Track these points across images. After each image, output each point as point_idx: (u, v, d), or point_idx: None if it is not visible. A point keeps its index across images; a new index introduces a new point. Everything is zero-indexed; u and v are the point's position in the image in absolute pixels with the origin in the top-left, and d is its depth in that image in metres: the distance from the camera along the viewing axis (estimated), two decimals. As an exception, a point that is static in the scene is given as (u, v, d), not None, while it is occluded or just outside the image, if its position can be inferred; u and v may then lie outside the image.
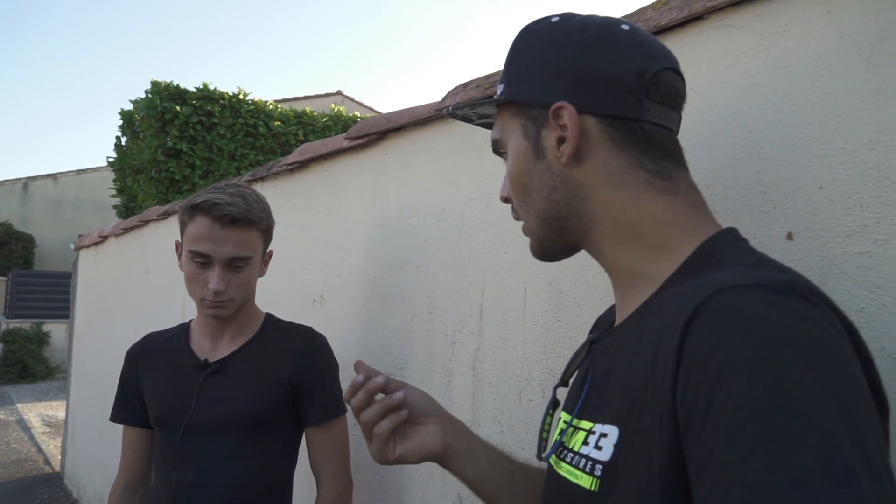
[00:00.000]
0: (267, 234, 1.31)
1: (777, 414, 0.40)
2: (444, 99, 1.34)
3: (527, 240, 0.71)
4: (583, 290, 1.03)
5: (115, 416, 1.36)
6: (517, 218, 0.71)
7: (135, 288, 3.39)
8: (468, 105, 0.72)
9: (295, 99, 14.97)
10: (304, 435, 1.33)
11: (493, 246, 1.22)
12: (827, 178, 0.74)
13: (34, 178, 20.70)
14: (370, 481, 1.50)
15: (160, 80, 4.72)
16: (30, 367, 10.79)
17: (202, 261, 1.21)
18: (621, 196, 0.61)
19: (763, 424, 0.40)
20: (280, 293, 2.00)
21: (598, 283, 1.01)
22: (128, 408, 1.34)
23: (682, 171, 0.64)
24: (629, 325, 0.60)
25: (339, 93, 16.21)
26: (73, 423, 4.70)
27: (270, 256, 1.37)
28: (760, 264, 0.54)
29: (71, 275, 5.04)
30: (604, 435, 0.55)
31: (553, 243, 0.67)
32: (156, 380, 1.30)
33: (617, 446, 0.52)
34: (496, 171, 1.23)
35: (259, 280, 2.13)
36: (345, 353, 1.65)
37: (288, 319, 1.72)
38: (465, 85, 1.31)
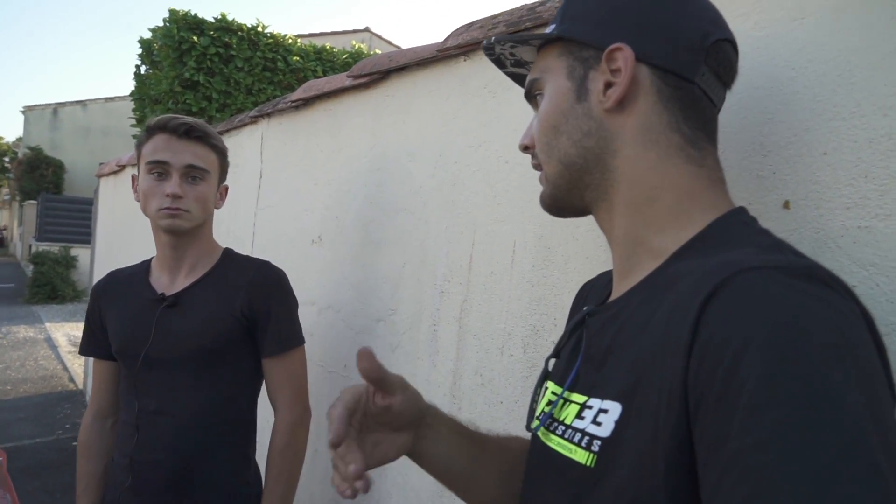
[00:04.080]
0: (222, 158, 1.33)
1: (799, 399, 0.38)
2: (446, 40, 1.27)
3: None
4: (571, 247, 1.00)
5: (84, 350, 1.39)
6: (536, 166, 0.67)
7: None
8: (513, 39, 0.67)
9: (322, 34, 14.65)
10: None
11: (487, 197, 1.18)
12: (833, 143, 0.69)
13: (63, 104, 20.85)
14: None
15: (178, 8, 4.63)
16: (58, 288, 11.17)
17: (160, 170, 1.24)
18: (650, 155, 0.59)
19: (784, 409, 0.38)
20: (281, 233, 2.00)
21: (586, 242, 0.97)
22: (94, 342, 1.37)
23: (712, 146, 0.61)
24: (633, 300, 0.57)
25: (366, 30, 15.81)
26: (93, 346, 4.87)
27: (226, 191, 1.39)
28: (777, 247, 0.52)
29: (92, 202, 5.11)
30: (603, 411, 0.53)
31: (568, 195, 0.64)
32: (117, 314, 1.32)
33: (618, 423, 0.50)
34: (494, 119, 1.17)
35: (262, 219, 2.14)
36: (339, 296, 1.65)
37: (288, 259, 1.71)
38: (469, 25, 1.24)
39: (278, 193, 2.05)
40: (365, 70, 1.54)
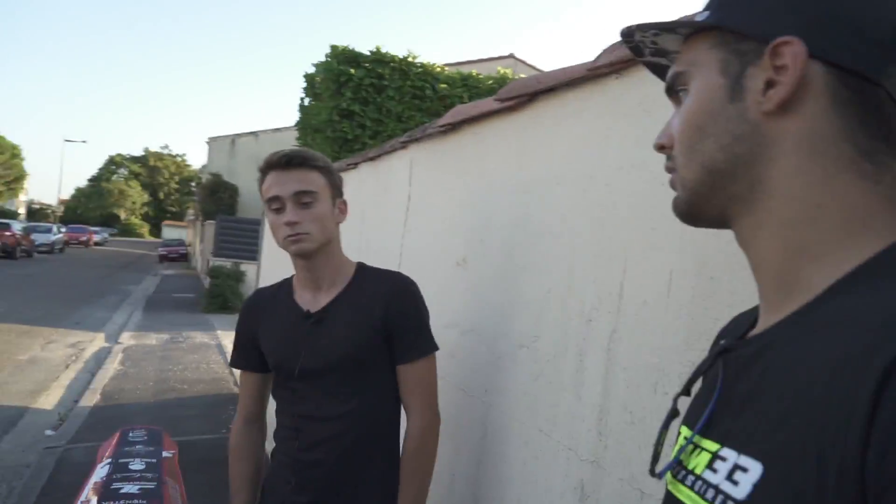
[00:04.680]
0: (328, 175, 1.40)
1: None
2: (597, 58, 1.23)
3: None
4: (738, 279, 0.90)
5: (234, 363, 1.55)
6: (671, 168, 0.60)
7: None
8: (659, 26, 0.60)
9: (468, 62, 15.09)
10: None
11: (640, 221, 1.11)
12: None
13: (239, 135, 23.50)
14: (495, 450, 1.49)
15: (338, 44, 5.04)
16: (229, 300, 12.45)
17: (277, 206, 1.35)
18: (814, 168, 0.49)
19: None
20: (427, 255, 2.04)
21: (757, 273, 0.87)
22: (244, 355, 1.52)
23: (893, 160, 0.50)
24: (780, 337, 0.49)
25: (511, 56, 16.04)
26: (255, 354, 5.31)
27: (345, 205, 1.46)
28: None
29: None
30: (742, 468, 0.46)
31: (708, 203, 0.56)
32: (269, 331, 1.45)
33: (757, 486, 0.43)
34: (648, 138, 1.10)
35: (409, 241, 2.21)
36: (483, 319, 1.64)
37: (432, 281, 1.74)
38: (622, 42, 1.19)
39: (425, 216, 2.11)
40: (512, 93, 1.53)
